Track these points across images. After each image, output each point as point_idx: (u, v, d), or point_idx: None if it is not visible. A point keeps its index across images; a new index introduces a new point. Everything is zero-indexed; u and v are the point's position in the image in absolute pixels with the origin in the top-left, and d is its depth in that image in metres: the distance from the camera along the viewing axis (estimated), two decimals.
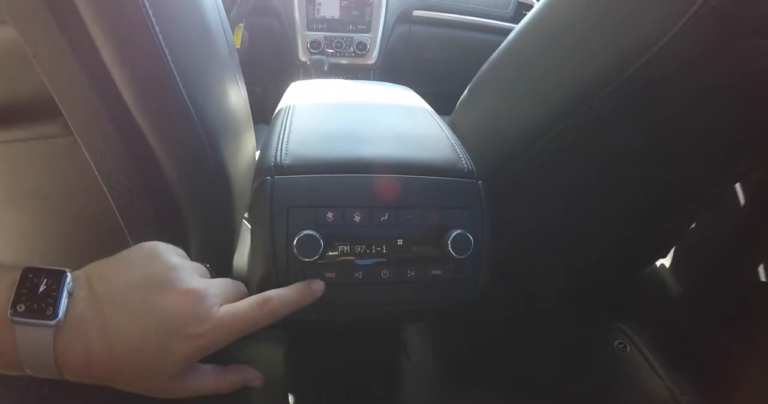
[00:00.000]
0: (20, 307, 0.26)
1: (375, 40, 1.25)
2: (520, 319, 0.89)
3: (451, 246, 0.37)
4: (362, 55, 1.25)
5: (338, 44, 1.24)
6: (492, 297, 0.84)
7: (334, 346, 0.79)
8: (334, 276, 0.37)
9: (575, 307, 0.93)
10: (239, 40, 1.19)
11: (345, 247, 0.37)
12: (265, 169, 0.40)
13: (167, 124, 0.41)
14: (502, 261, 0.62)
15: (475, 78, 0.62)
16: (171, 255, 0.32)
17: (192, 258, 0.58)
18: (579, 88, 0.41)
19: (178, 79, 0.38)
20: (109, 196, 0.48)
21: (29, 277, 0.28)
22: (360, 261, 0.37)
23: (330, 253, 0.37)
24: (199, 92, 0.43)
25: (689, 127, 0.45)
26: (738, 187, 0.78)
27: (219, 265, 0.59)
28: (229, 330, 0.30)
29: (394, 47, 1.29)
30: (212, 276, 0.36)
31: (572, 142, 0.45)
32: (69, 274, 0.28)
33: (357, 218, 0.37)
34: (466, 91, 0.64)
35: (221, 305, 0.31)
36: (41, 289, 0.27)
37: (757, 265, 0.76)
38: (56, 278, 0.28)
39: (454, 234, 0.37)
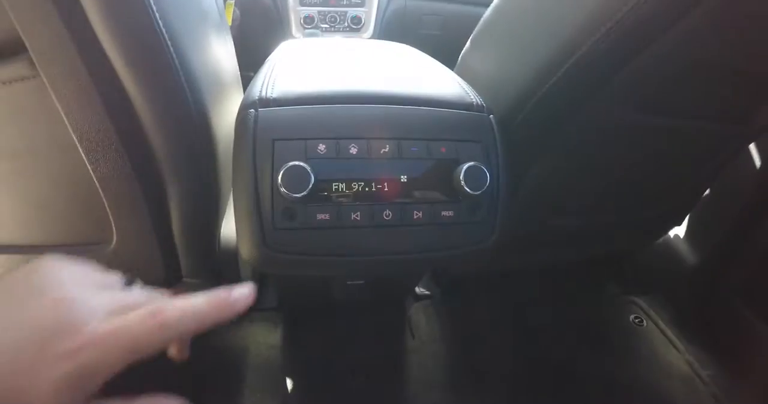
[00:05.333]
0: None
1: (370, 14, 1.20)
2: (531, 296, 0.84)
3: (464, 180, 0.32)
4: (357, 30, 1.20)
5: (332, 19, 1.19)
6: (503, 270, 0.80)
7: (334, 326, 0.75)
8: (327, 217, 0.31)
9: (588, 283, 0.89)
10: (230, 18, 1.14)
11: (340, 185, 0.32)
12: (248, 104, 0.35)
13: (143, 61, 0.37)
14: (514, 223, 0.57)
15: (477, 28, 0.57)
16: (55, 263, 0.26)
17: (174, 224, 0.54)
18: (584, 23, 0.37)
19: (157, 15, 0.34)
20: (79, 148, 0.43)
21: None
22: (358, 201, 0.32)
23: (322, 193, 0.32)
24: (181, 36, 0.39)
25: (695, 66, 0.41)
26: (753, 151, 0.74)
27: (202, 233, 0.54)
28: (108, 348, 0.23)
29: (390, 22, 1.24)
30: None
31: (581, 81, 0.41)
32: None
33: (353, 150, 0.32)
34: (468, 43, 0.60)
35: (108, 318, 0.24)
36: None
37: None
38: None
39: (467, 166, 0.32)
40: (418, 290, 0.82)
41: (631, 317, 0.82)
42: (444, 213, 0.33)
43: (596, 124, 0.48)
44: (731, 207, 0.77)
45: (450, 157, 0.33)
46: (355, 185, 0.32)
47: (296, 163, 0.30)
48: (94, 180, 0.46)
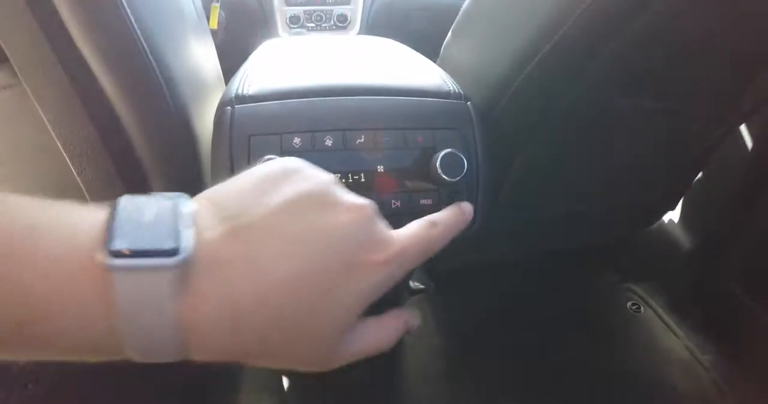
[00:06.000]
0: (120, 244, 0.16)
1: (356, 11, 1.20)
2: (527, 287, 0.84)
3: (441, 167, 0.31)
4: (343, 27, 1.20)
5: (318, 17, 1.19)
6: (497, 261, 0.79)
7: None
8: None
9: (584, 271, 0.89)
10: (216, 20, 1.14)
11: None
12: (225, 101, 0.35)
13: (121, 66, 0.38)
14: (506, 212, 0.57)
15: (457, 18, 0.57)
16: (314, 169, 0.23)
17: None
18: (560, 5, 0.37)
19: (132, 19, 0.34)
20: (64, 153, 0.43)
21: (128, 206, 0.18)
22: None
23: None
24: (158, 39, 0.39)
25: (676, 48, 0.40)
26: (745, 131, 0.74)
27: None
28: (412, 257, 0.23)
29: (376, 18, 1.23)
30: None
31: (561, 64, 0.41)
32: (187, 197, 0.20)
33: (329, 142, 0.32)
34: (449, 34, 0.59)
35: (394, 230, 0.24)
36: (147, 218, 0.17)
37: None
38: (168, 203, 0.18)
39: (443, 153, 0.32)
40: (412, 284, 0.82)
41: (629, 304, 0.82)
42: (423, 201, 0.33)
43: (581, 109, 0.48)
44: (725, 191, 0.76)
45: (427, 146, 0.33)
46: None
47: (270, 157, 0.30)
48: (81, 185, 0.46)
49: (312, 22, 1.19)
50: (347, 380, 0.68)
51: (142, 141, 0.44)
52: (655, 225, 0.84)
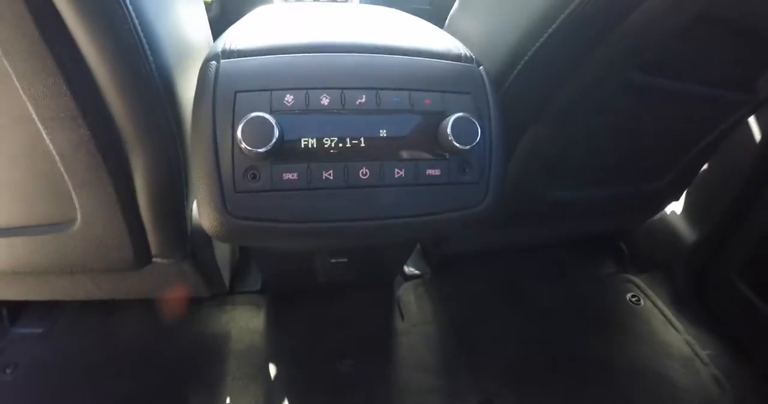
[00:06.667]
0: None
1: None
2: (526, 276, 0.82)
3: (452, 133, 0.28)
4: (343, 1, 1.15)
5: None
6: (497, 248, 0.76)
7: (320, 308, 0.72)
8: (295, 177, 0.28)
9: (583, 261, 0.86)
10: None
11: (310, 140, 0.28)
12: (211, 57, 0.31)
13: (97, 18, 0.34)
14: (510, 195, 0.54)
15: None
16: None
17: (140, 199, 0.50)
18: None
19: None
20: (35, 117, 0.39)
21: None
22: (331, 158, 0.28)
23: (289, 149, 0.28)
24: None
25: (695, 22, 0.38)
26: (753, 125, 0.71)
27: (170, 209, 0.50)
28: None
29: None
30: None
31: (577, 36, 0.38)
32: None
33: (325, 101, 0.28)
34: (456, 4, 0.56)
35: None
36: None
37: None
38: None
39: (455, 117, 0.28)
40: (408, 269, 0.79)
41: (628, 296, 0.80)
42: (429, 171, 0.29)
43: (596, 84, 0.45)
44: (729, 184, 0.74)
45: (436, 110, 0.29)
46: (327, 140, 0.28)
47: (258, 114, 0.26)
48: (54, 154, 0.42)
49: None
50: (338, 367, 0.65)
51: (119, 104, 0.40)
52: (658, 216, 0.82)
